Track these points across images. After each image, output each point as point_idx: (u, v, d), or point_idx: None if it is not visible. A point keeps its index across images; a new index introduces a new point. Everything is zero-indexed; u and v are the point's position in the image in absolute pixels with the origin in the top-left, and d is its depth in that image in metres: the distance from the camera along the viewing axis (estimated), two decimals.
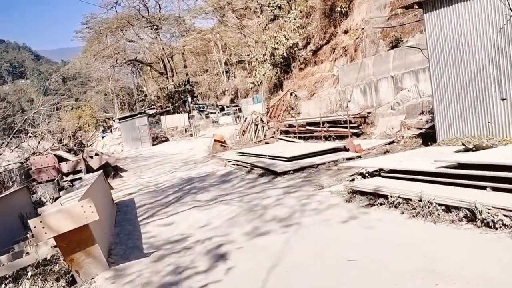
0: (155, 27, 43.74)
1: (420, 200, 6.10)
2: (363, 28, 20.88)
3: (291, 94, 23.96)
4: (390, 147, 13.75)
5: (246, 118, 26.96)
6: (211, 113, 48.81)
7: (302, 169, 12.44)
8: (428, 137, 13.10)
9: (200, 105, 53.47)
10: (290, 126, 21.49)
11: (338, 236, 6.20)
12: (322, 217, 7.33)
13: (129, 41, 47.02)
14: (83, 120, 49.88)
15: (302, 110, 22.51)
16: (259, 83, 29.99)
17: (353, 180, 8.58)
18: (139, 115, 39.67)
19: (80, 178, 14.49)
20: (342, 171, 11.37)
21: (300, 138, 19.92)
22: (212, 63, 65.48)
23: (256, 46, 33.24)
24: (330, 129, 17.86)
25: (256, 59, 29.82)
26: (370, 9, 19.93)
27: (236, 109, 46.52)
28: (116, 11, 43.94)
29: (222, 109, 52.02)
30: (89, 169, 18.93)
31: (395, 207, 6.65)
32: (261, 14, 32.55)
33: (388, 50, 17.96)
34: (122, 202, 13.02)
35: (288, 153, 13.82)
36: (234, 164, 16.44)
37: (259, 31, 33.29)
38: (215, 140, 23.85)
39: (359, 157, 12.96)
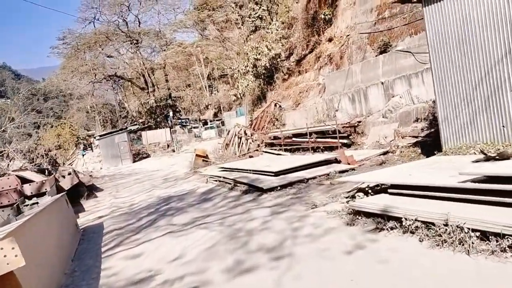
0: (134, 41, 42.24)
1: (446, 224, 4.73)
2: (348, 35, 19.81)
3: (275, 105, 22.68)
4: (385, 158, 12.46)
5: (229, 131, 25.55)
6: (194, 127, 47.31)
7: (290, 184, 11.03)
8: (426, 146, 11.89)
9: (183, 120, 51.93)
10: (275, 138, 20.15)
11: (343, 274, 4.77)
12: (320, 245, 5.89)
13: (108, 57, 45.36)
14: (62, 138, 47.85)
15: (287, 121, 21.21)
16: (241, 95, 28.70)
17: (353, 197, 7.19)
18: (119, 131, 37.91)
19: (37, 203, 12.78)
20: (336, 186, 10.00)
21: (286, 150, 18.57)
22: (195, 78, 64.23)
23: (238, 58, 32.04)
24: (318, 140, 16.56)
25: (238, 70, 28.59)
26: (356, 15, 18.87)
27: (220, 123, 45.11)
28: (94, 26, 42.50)
29: (205, 123, 50.60)
30: (60, 190, 17.22)
31: (411, 232, 5.26)
32: (242, 25, 31.43)
33: (376, 55, 16.85)
34: (89, 228, 11.38)
35: (275, 167, 12.41)
36: (216, 180, 14.96)
37: (241, 42, 32.13)
38: (196, 155, 22.35)
39: (353, 169, 11.63)
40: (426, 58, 14.56)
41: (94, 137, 49.93)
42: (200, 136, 43.14)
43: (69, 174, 21.58)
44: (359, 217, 6.38)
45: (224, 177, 14.03)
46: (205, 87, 58.30)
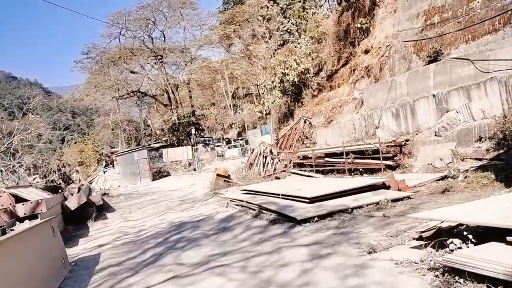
0: (159, 57, 41.03)
1: None
2: (388, 45, 17.54)
3: (304, 121, 20.44)
4: (446, 184, 9.96)
5: (253, 150, 23.37)
6: (217, 146, 45.45)
7: (330, 214, 8.69)
8: (501, 171, 9.38)
9: (206, 138, 50.22)
10: (305, 158, 17.86)
11: None
12: None
13: (132, 72, 44.19)
14: (85, 154, 46.75)
15: (318, 139, 18.90)
16: (267, 112, 26.62)
17: (437, 245, 4.80)
18: (138, 149, 36.31)
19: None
20: (392, 220, 7.63)
21: (317, 172, 16.23)
22: (219, 96, 62.86)
23: (264, 72, 30.17)
24: (357, 160, 14.17)
25: (265, 85, 26.57)
26: (398, 21, 16.61)
27: (243, 142, 43.12)
28: (119, 41, 41.59)
29: (228, 142, 48.73)
30: (65, 211, 15.37)
31: None
32: (269, 39, 29.64)
33: (424, 65, 14.48)
34: (82, 261, 9.28)
35: (308, 192, 10.09)
36: (238, 205, 12.71)
37: (268, 57, 30.28)
38: (217, 175, 20.21)
39: (408, 197, 9.19)
40: (489, 67, 12.14)
41: (116, 154, 48.64)
42: (222, 155, 41.18)
43: (79, 190, 19.78)
44: (460, 280, 3.99)
45: (247, 202, 11.78)
46: (230, 106, 56.70)
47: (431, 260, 4.61)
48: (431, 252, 4.73)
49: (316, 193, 9.64)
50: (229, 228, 10.13)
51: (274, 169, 19.67)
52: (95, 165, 46.11)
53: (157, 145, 47.41)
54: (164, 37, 42.34)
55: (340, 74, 21.38)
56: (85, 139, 48.27)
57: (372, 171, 13.54)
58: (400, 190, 10.05)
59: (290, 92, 27.14)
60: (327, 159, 15.71)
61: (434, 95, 13.29)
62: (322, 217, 8.60)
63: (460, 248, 4.39)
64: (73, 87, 46.82)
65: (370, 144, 13.62)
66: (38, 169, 20.76)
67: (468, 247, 4.37)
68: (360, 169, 13.83)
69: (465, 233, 4.56)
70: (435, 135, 12.83)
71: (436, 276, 4.27)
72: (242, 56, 36.51)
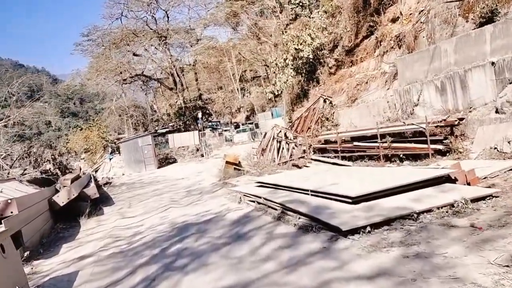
0: (163, 38, 38.10)
1: None
2: (422, 10, 14.69)
3: (324, 100, 17.73)
4: None
5: (265, 134, 20.76)
6: (225, 130, 42.76)
7: (387, 222, 6.12)
8: None
9: (214, 123, 47.52)
10: (327, 142, 15.24)
11: None
12: None
13: (135, 55, 41.34)
14: (90, 141, 44.41)
15: (341, 121, 16.25)
16: (279, 92, 23.90)
17: None
18: (143, 134, 33.85)
19: None
20: (487, 234, 5.07)
21: (344, 158, 13.62)
22: (226, 80, 59.95)
23: (275, 50, 27.31)
24: (395, 145, 11.51)
25: (276, 64, 23.77)
26: None
27: (253, 126, 40.43)
28: (121, 22, 38.68)
29: (237, 126, 46.11)
30: (54, 207, 13.03)
31: None
32: (280, 13, 26.70)
33: (474, 28, 11.68)
34: (52, 284, 6.86)
35: (349, 188, 7.53)
36: (253, 201, 10.19)
37: (278, 33, 27.38)
38: (226, 162, 17.71)
39: (492, 196, 6.57)
40: None
41: (119, 141, 46.22)
42: (231, 140, 38.57)
43: (76, 179, 17.39)
44: None
45: (265, 199, 9.22)
46: (237, 89, 53.84)
47: None
48: None
49: (361, 190, 7.05)
50: (245, 236, 7.62)
51: (291, 155, 17.12)
52: (101, 152, 43.87)
53: (163, 130, 44.88)
54: (168, 17, 39.38)
55: (362, 47, 18.58)
56: (90, 125, 45.84)
57: (415, 157, 10.90)
58: (469, 183, 7.45)
59: (304, 71, 24.39)
60: (355, 143, 13.07)
61: (492, 63, 10.53)
62: (376, 226, 6.05)
63: None
64: (74, 72, 44.07)
65: (413, 124, 10.91)
66: (30, 159, 18.41)
67: None
68: (401, 155, 11.18)
69: None
70: (496, 112, 10.12)
71: None
72: (251, 35, 33.50)
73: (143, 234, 9.73)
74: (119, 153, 43.33)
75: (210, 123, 45.87)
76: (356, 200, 6.93)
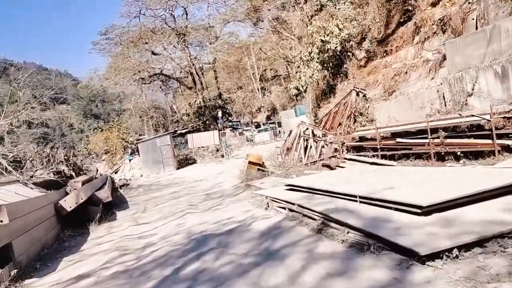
0: (182, 35, 36.74)
1: None
2: None
3: (357, 94, 15.91)
4: None
5: (290, 132, 19.06)
6: (245, 130, 41.16)
7: (479, 242, 4.36)
8: None
9: (234, 123, 46.01)
10: (362, 139, 13.43)
11: None
12: None
13: (154, 54, 40.16)
14: (110, 142, 43.53)
15: (378, 115, 14.40)
16: (304, 88, 22.14)
17: None
18: (161, 134, 32.59)
19: None
20: None
21: (384, 157, 11.81)
22: (247, 79, 58.45)
23: (299, 43, 25.57)
24: (450, 140, 9.65)
25: (301, 57, 22.02)
26: None
27: (275, 125, 38.73)
28: (139, 20, 37.53)
29: (257, 126, 44.52)
30: (60, 212, 11.71)
31: None
32: (304, 4, 24.95)
33: None
34: None
35: (410, 193, 5.80)
36: (283, 207, 8.53)
37: (303, 26, 25.63)
38: (249, 162, 16.11)
39: None
40: None
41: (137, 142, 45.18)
42: (252, 139, 36.98)
43: (85, 183, 16.08)
44: None
45: (300, 206, 7.54)
46: (258, 88, 52.23)
47: None
48: None
49: (433, 198, 5.30)
50: (278, 254, 5.98)
51: (320, 155, 15.38)
52: (121, 153, 42.96)
53: (183, 131, 43.63)
54: (187, 14, 37.99)
55: (398, 35, 16.70)
56: (110, 126, 44.97)
57: (476, 154, 9.03)
58: None
59: (330, 64, 22.60)
60: (399, 139, 11.24)
61: None
62: (464, 248, 4.32)
63: None
64: (91, 71, 43.26)
65: (472, 116, 9.03)
66: (41, 160, 17.25)
67: None
68: (458, 153, 9.32)
69: None
70: None
71: None
72: (272, 30, 31.81)
73: (155, 246, 8.20)
74: (139, 154, 42.31)
75: (230, 123, 44.42)
76: (427, 211, 5.19)
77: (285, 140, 20.45)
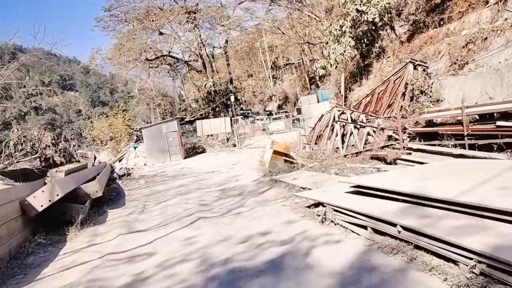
0: (192, 14, 33.04)
1: None
2: None
3: (415, 67, 12.28)
4: None
5: (321, 117, 15.53)
6: (257, 119, 37.61)
7: None
8: None
9: (245, 111, 42.40)
10: (431, 124, 9.90)
11: None
12: None
13: (161, 34, 36.53)
14: (115, 128, 40.24)
15: (446, 95, 10.86)
16: (335, 66, 18.56)
17: None
18: (168, 120, 29.14)
19: None
20: None
21: (472, 147, 8.28)
22: (258, 67, 54.80)
23: (327, 17, 21.91)
24: None
25: (330, 32, 18.40)
26: None
27: (289, 114, 35.14)
28: None
29: (269, 114, 40.98)
30: (29, 211, 8.37)
31: None
32: None
33: None
34: None
35: None
36: (354, 224, 5.06)
37: None
38: (274, 152, 12.62)
39: None
40: None
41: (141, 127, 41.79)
42: (265, 128, 33.43)
43: (71, 173, 12.74)
44: None
45: (417, 233, 4.04)
46: (269, 76, 48.54)
47: None
48: None
49: None
50: None
51: (365, 144, 11.88)
52: (125, 140, 39.68)
53: (192, 118, 40.17)
54: None
55: None
56: (116, 112, 41.57)
57: None
58: None
59: (365, 40, 18.97)
60: (500, 123, 7.70)
61: None
62: None
63: None
64: (93, 50, 39.35)
65: None
66: (24, 145, 14.00)
67: None
68: None
69: None
70: None
71: None
72: (291, 7, 28.07)
73: (147, 284, 4.81)
74: (143, 141, 38.91)
75: (242, 111, 40.89)
76: None
77: (313, 127, 16.97)
